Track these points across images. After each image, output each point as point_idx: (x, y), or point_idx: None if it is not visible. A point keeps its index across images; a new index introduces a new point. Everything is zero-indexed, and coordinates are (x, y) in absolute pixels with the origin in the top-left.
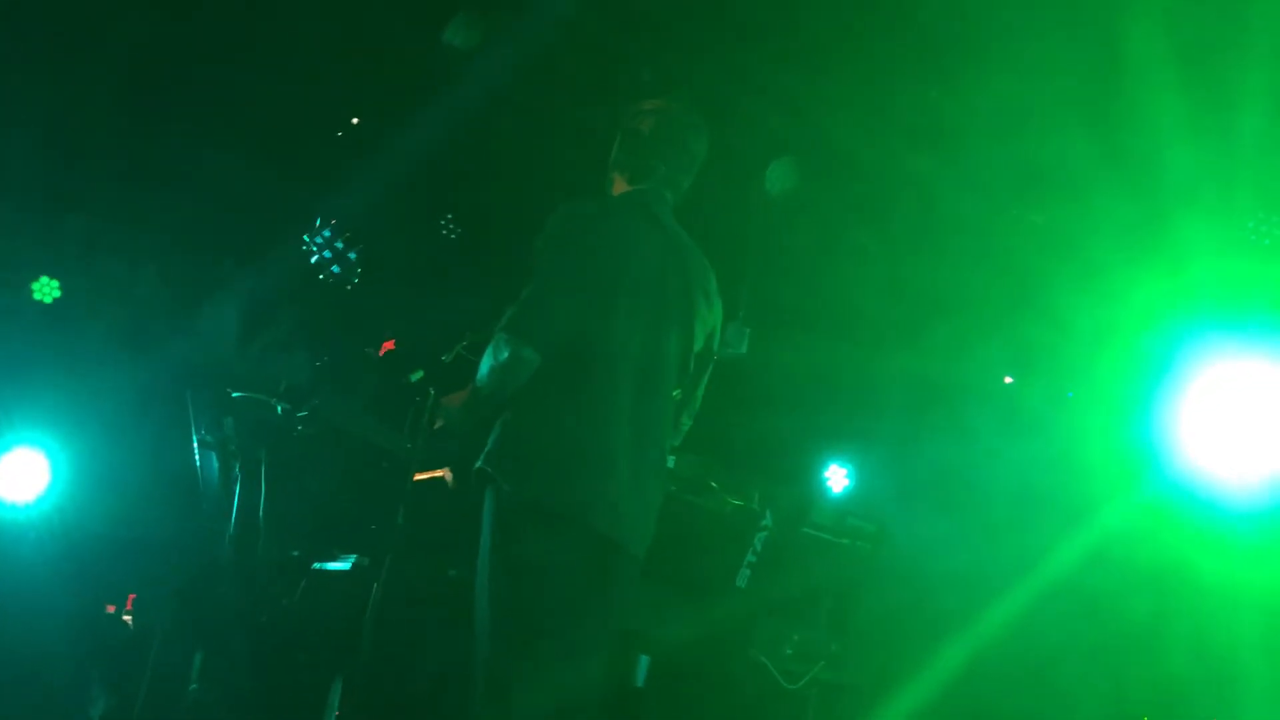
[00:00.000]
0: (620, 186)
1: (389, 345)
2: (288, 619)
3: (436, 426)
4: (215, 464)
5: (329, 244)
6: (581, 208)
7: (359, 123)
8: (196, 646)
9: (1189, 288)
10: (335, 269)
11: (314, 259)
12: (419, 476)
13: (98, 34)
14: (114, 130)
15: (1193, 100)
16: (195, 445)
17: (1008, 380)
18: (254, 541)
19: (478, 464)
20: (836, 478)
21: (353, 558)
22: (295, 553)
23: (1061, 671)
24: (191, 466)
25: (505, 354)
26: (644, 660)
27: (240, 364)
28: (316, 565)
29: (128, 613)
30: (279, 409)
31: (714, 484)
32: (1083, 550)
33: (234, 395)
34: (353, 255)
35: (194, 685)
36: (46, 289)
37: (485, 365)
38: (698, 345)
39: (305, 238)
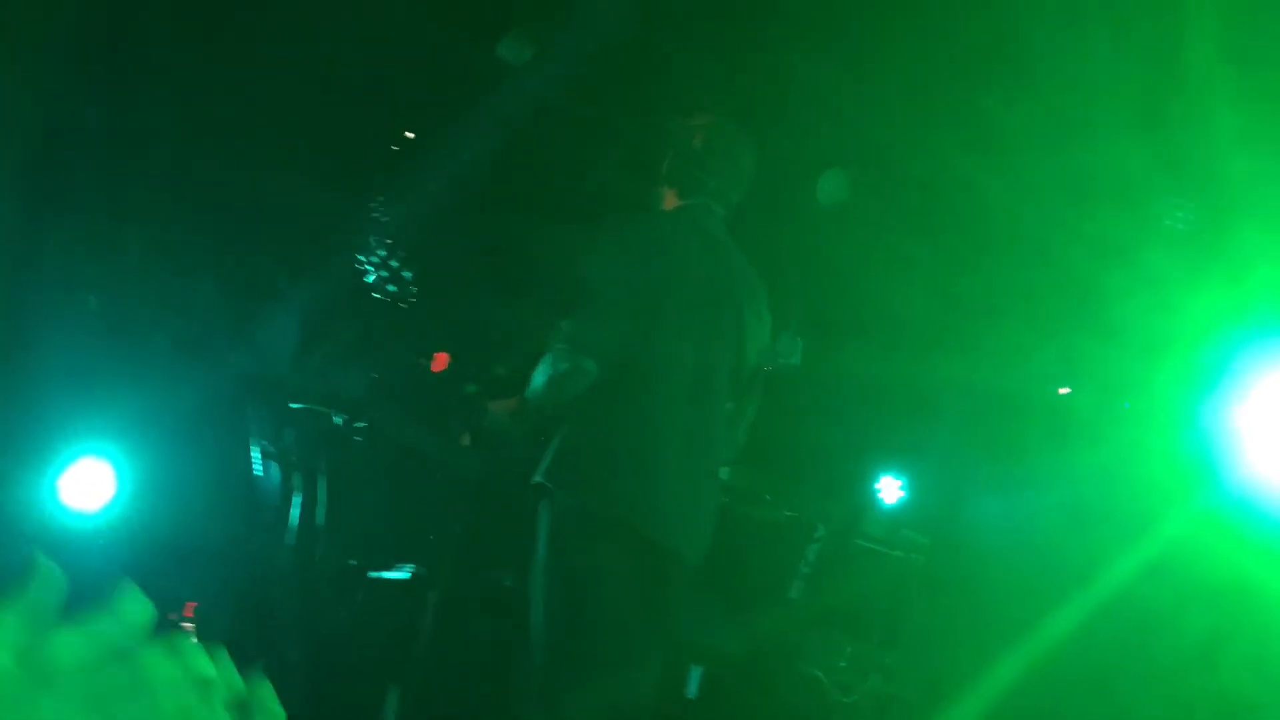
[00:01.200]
0: (670, 201)
1: (442, 358)
2: (345, 628)
3: (482, 430)
4: (276, 474)
5: (384, 263)
6: (632, 222)
7: (413, 137)
8: (255, 654)
9: (1247, 296)
10: (391, 288)
11: (370, 278)
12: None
13: (155, 50)
14: (172, 145)
15: (1251, 105)
16: (256, 456)
17: (1063, 391)
18: (312, 551)
19: (535, 478)
20: (889, 489)
21: (410, 567)
22: (353, 562)
23: (1118, 688)
24: (252, 477)
25: (565, 366)
26: (696, 671)
27: (298, 376)
28: (373, 574)
29: (187, 619)
30: (338, 420)
31: (766, 495)
32: (1140, 564)
33: (294, 406)
34: (407, 274)
35: None
36: None
37: (542, 376)
38: (749, 359)
39: (360, 257)
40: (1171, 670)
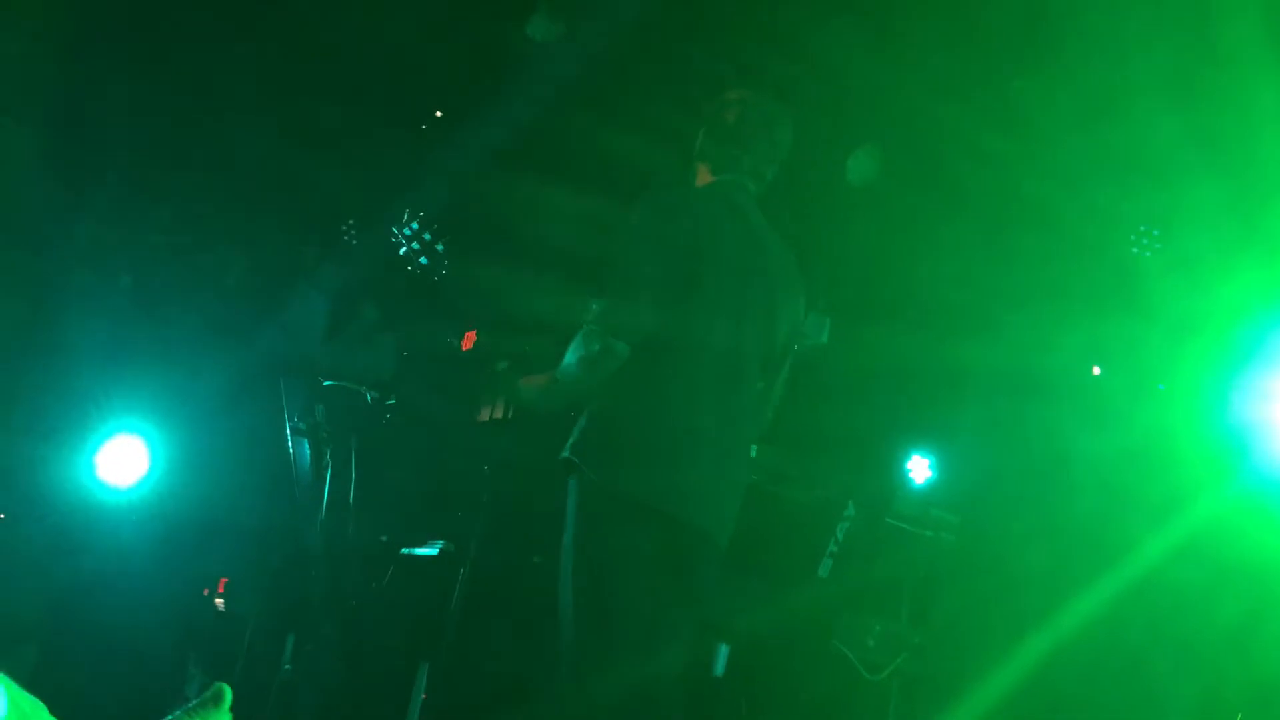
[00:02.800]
0: (704, 177)
1: (472, 336)
2: (376, 603)
3: (513, 407)
4: (307, 451)
5: (417, 236)
6: (664, 198)
7: (442, 116)
8: (288, 629)
9: None
10: (423, 260)
11: (402, 250)
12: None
13: (186, 28)
14: (202, 124)
15: None
16: (288, 432)
17: (1096, 371)
18: (344, 527)
19: (563, 454)
20: (919, 468)
21: (440, 543)
22: (384, 538)
23: (1149, 669)
24: (284, 453)
25: (596, 346)
26: (724, 649)
27: (327, 355)
28: (405, 550)
29: (220, 596)
30: (368, 397)
31: (796, 474)
32: (1171, 545)
33: (325, 384)
34: (440, 247)
35: (286, 666)
36: None
37: (573, 355)
38: (780, 337)
39: (393, 229)
40: (1202, 652)
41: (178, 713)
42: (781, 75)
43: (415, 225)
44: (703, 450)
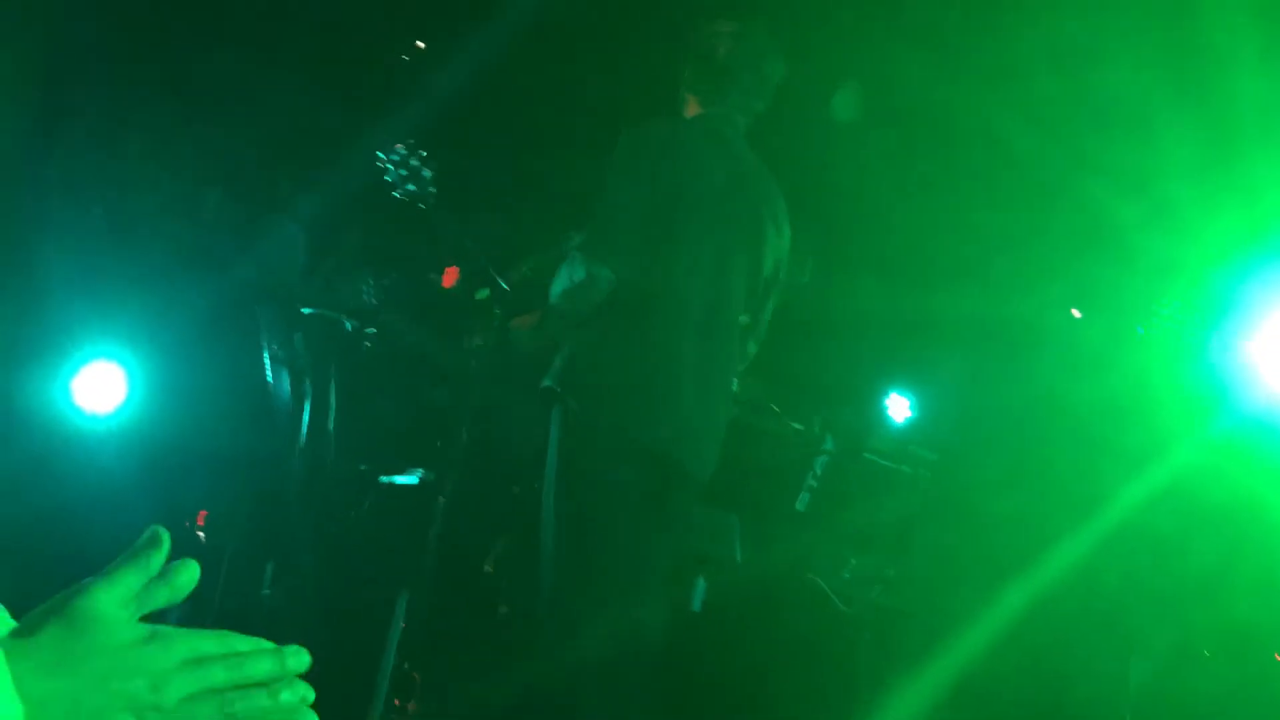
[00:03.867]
0: (693, 109)
1: (453, 272)
2: (355, 531)
3: (494, 338)
4: (286, 379)
5: (404, 161)
6: (651, 131)
7: (424, 47)
8: (267, 557)
9: (1262, 221)
10: (411, 187)
11: (388, 176)
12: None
13: None
14: (174, 53)
15: (1269, 26)
16: (266, 360)
17: (1075, 314)
18: (324, 455)
19: (545, 382)
20: (898, 407)
21: (419, 472)
22: (363, 467)
23: (1126, 614)
24: (263, 381)
25: (581, 273)
26: (701, 584)
27: (306, 286)
28: (384, 479)
29: (200, 528)
30: (348, 325)
31: (775, 407)
32: (1148, 490)
33: (304, 311)
34: (427, 173)
35: (266, 591)
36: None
37: (559, 285)
38: (765, 270)
39: (380, 154)
40: (1178, 596)
41: (116, 561)
42: (763, 18)
43: (403, 150)
44: (685, 384)
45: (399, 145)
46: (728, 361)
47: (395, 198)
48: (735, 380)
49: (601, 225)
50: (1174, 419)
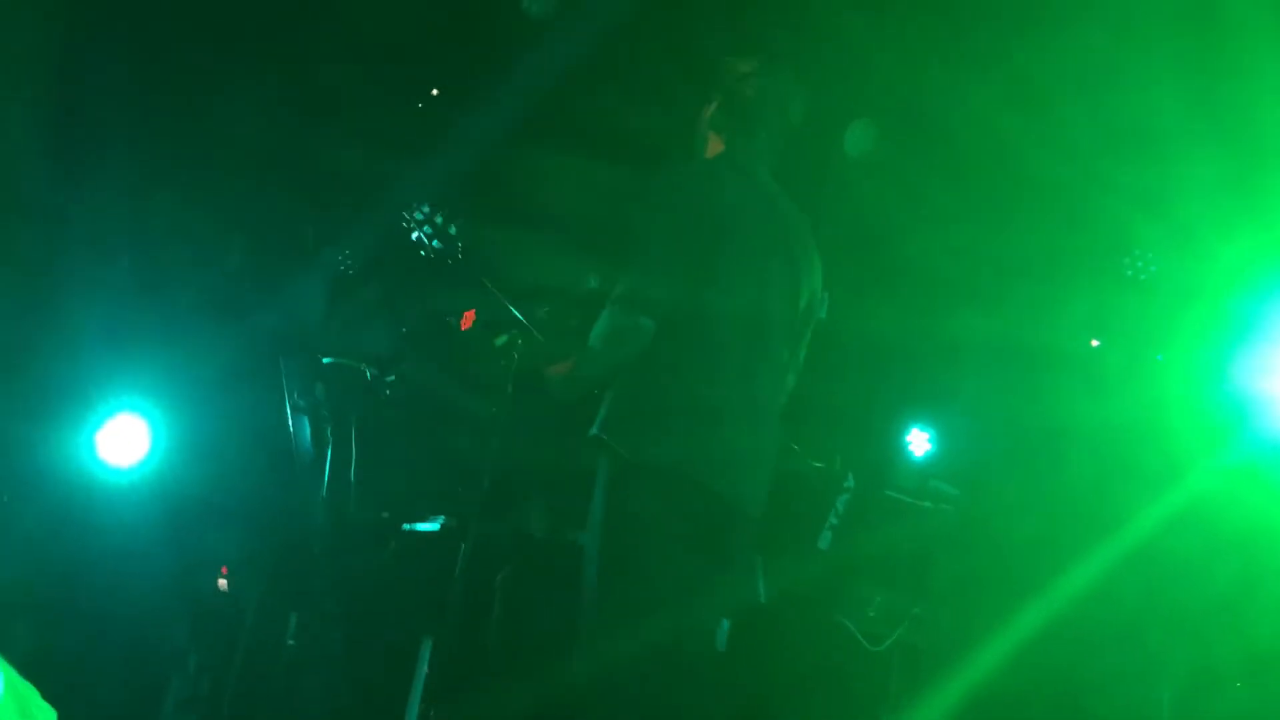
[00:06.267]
0: (716, 147)
1: (471, 316)
2: (379, 579)
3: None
4: (307, 428)
5: (429, 219)
6: (683, 170)
7: (438, 94)
8: (291, 607)
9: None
10: (436, 244)
11: (414, 235)
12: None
13: (186, 9)
14: (199, 105)
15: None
16: (288, 410)
17: (1095, 344)
18: (345, 504)
19: (593, 431)
20: (918, 441)
21: (440, 519)
22: (385, 514)
23: (1145, 638)
24: (285, 431)
25: (622, 323)
26: (725, 623)
27: (326, 334)
28: (406, 526)
29: (224, 577)
30: (368, 374)
31: (795, 446)
32: (1168, 515)
33: (325, 361)
34: (453, 230)
35: (290, 641)
36: None
37: (598, 334)
38: (801, 305)
39: (404, 214)
40: (1197, 621)
41: None
42: (780, 45)
43: (426, 209)
44: (729, 420)
45: (423, 205)
46: (772, 397)
47: (422, 256)
48: (779, 416)
49: (639, 270)
50: (1194, 444)
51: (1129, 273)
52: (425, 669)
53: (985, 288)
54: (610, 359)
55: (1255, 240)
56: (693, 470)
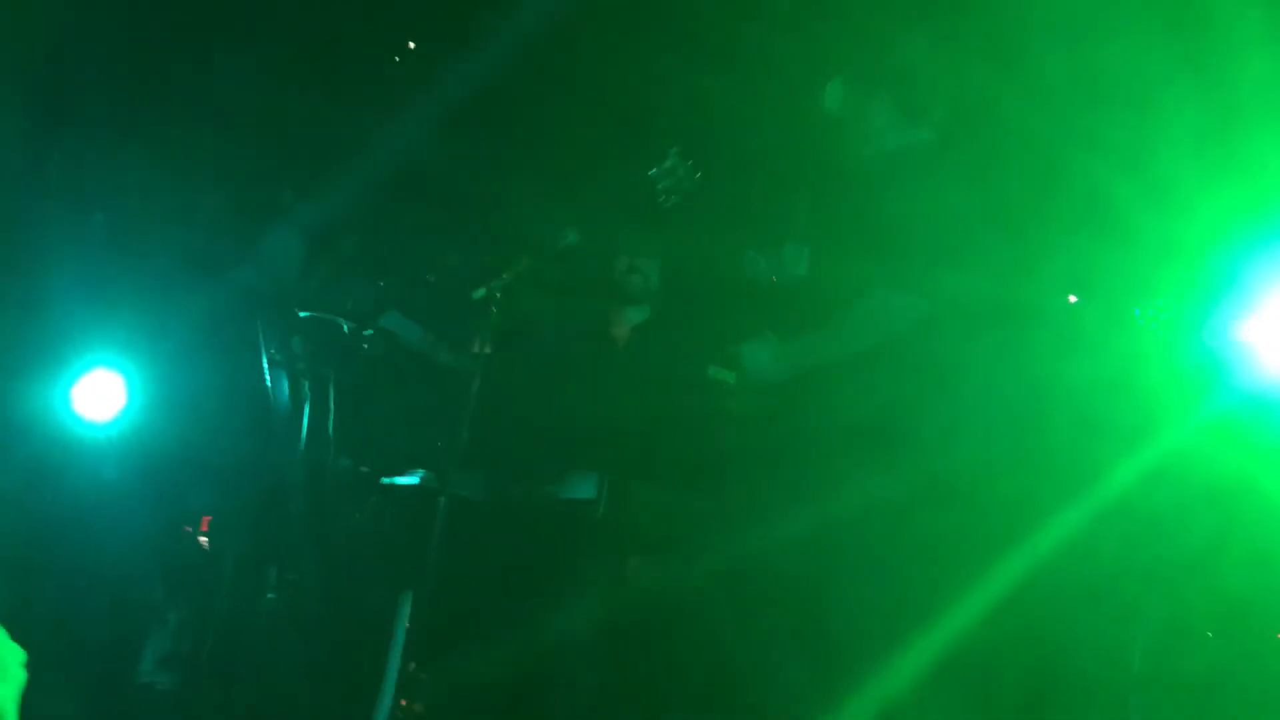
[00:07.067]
0: None
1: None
2: (358, 533)
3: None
4: (285, 383)
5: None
6: None
7: (414, 47)
8: (270, 562)
9: (1262, 200)
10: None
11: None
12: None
13: None
14: (173, 58)
15: (1272, 4)
16: (265, 365)
17: (1072, 299)
18: (324, 458)
19: None
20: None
21: (420, 472)
22: (364, 469)
23: (1121, 591)
24: (262, 386)
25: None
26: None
27: (304, 289)
28: (385, 480)
29: (204, 533)
30: (345, 327)
31: (755, 397)
32: (1143, 470)
33: (302, 315)
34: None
35: (270, 595)
36: None
37: None
38: None
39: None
40: (1171, 574)
41: None
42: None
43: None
44: None
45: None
46: None
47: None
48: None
49: None
50: (1171, 398)
51: (1106, 228)
52: (406, 623)
53: (963, 244)
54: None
55: (1234, 194)
56: None
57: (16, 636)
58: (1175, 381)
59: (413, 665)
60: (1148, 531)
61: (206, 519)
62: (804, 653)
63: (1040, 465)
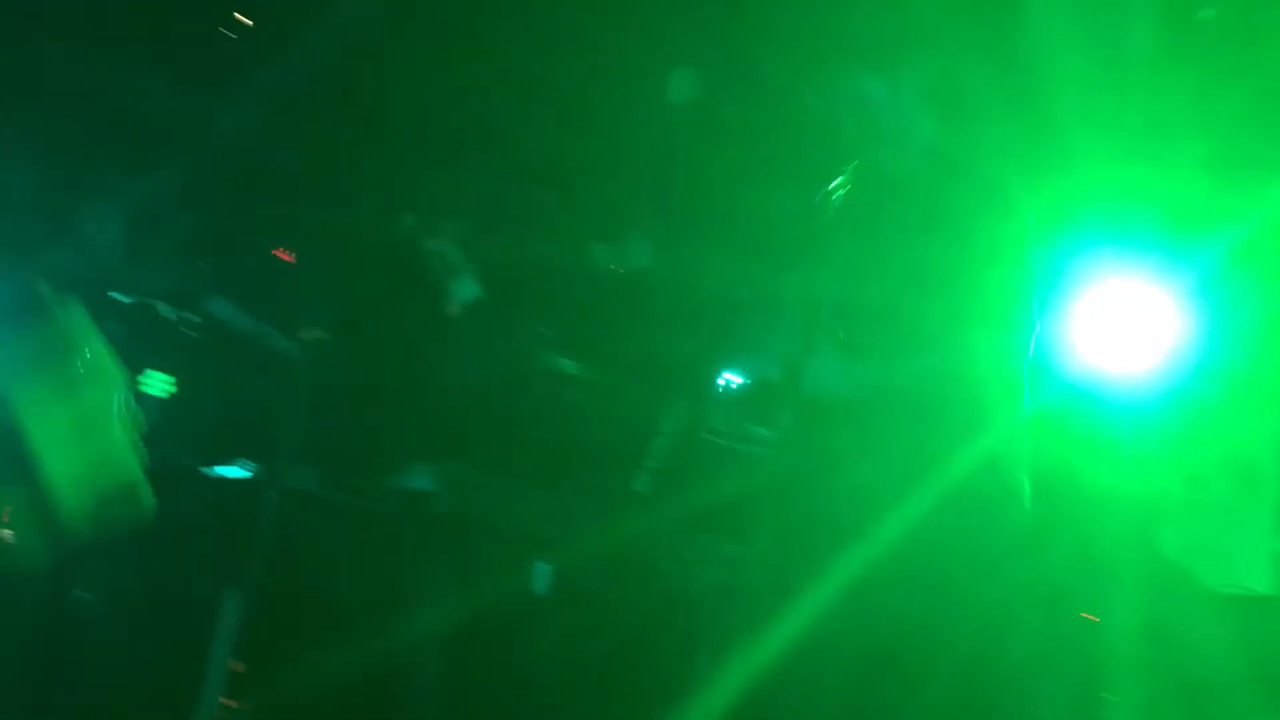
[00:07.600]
0: None
1: (284, 255)
2: (179, 526)
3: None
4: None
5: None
6: None
7: (250, 23)
8: (84, 554)
9: (1081, 200)
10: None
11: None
12: None
13: None
14: None
15: (1086, 9)
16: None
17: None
18: (142, 446)
19: None
20: (734, 386)
21: (248, 464)
22: (185, 460)
23: (953, 578)
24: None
25: None
26: (545, 568)
27: (126, 272)
28: (207, 471)
29: (4, 524)
30: (168, 313)
31: (611, 390)
32: (972, 463)
33: (116, 298)
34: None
35: (81, 593)
36: None
37: None
38: None
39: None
40: (1001, 560)
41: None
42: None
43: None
44: None
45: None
46: None
47: None
48: (570, 361)
49: None
50: (999, 395)
51: (939, 229)
52: (230, 619)
53: (806, 242)
54: None
55: (1057, 195)
56: None
57: None
58: (1003, 378)
59: (235, 662)
60: (977, 519)
61: (7, 509)
62: (650, 655)
63: (882, 456)
